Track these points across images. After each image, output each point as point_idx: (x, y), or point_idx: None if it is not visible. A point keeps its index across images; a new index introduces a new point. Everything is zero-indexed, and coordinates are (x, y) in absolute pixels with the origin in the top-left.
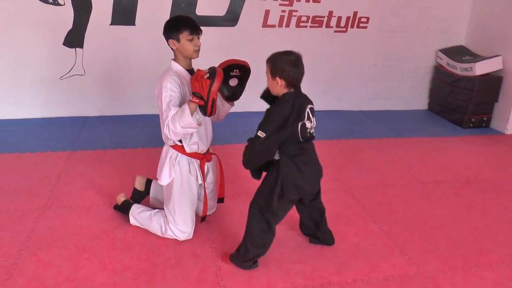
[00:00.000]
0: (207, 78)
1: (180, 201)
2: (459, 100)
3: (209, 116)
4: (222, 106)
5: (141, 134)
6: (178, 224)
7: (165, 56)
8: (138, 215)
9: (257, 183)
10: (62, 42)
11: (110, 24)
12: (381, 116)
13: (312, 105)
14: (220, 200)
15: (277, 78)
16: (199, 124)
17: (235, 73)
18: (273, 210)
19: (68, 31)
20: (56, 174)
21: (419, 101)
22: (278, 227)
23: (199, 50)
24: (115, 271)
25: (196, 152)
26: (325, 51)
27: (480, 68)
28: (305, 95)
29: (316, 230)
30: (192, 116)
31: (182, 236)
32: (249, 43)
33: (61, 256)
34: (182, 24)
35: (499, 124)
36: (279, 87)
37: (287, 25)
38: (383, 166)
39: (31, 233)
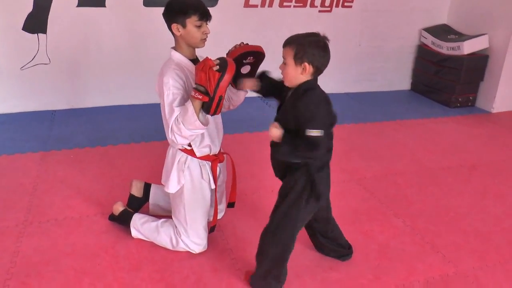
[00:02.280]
0: (217, 70)
1: (192, 210)
2: (446, 79)
3: (212, 115)
4: (235, 95)
5: (120, 128)
6: (191, 236)
7: (140, 40)
8: (141, 226)
9: (261, 178)
10: (21, 27)
11: (77, 6)
12: (367, 98)
13: None
14: (231, 204)
15: (305, 64)
16: (206, 124)
17: (248, 61)
18: (298, 220)
19: (28, 14)
20: (31, 181)
21: (403, 81)
22: None
23: (206, 38)
24: None
25: (208, 155)
26: (309, 32)
27: (468, 47)
28: None
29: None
30: (198, 114)
31: (197, 249)
32: (230, 24)
33: (57, 282)
34: (191, 7)
35: (485, 103)
36: (305, 74)
37: (270, 5)
38: (386, 153)
39: (15, 257)
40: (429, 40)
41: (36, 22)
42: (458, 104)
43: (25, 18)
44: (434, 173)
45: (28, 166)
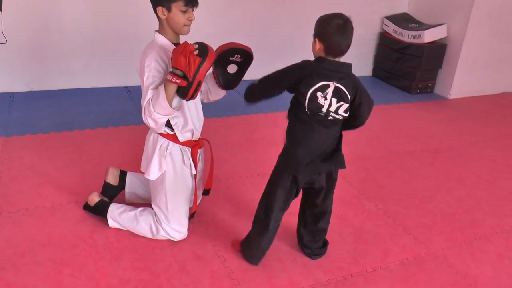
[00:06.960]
0: (198, 55)
1: (174, 197)
2: (407, 66)
3: (187, 100)
4: (214, 91)
5: (85, 112)
6: (172, 223)
7: (104, 20)
8: (119, 216)
9: (233, 163)
10: None
11: None
12: None
13: (344, 86)
14: (206, 192)
15: (316, 40)
16: (179, 109)
17: (235, 59)
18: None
19: None
20: None
21: (365, 67)
22: None
23: (190, 25)
24: (111, 287)
25: (189, 140)
26: (274, 18)
27: (429, 36)
28: (348, 73)
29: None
30: (171, 99)
31: (178, 236)
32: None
33: (36, 275)
34: None
35: (442, 89)
36: (317, 51)
37: None
38: (353, 138)
39: None
40: (391, 28)
41: None
42: (418, 91)
43: None
44: (401, 157)
45: None
